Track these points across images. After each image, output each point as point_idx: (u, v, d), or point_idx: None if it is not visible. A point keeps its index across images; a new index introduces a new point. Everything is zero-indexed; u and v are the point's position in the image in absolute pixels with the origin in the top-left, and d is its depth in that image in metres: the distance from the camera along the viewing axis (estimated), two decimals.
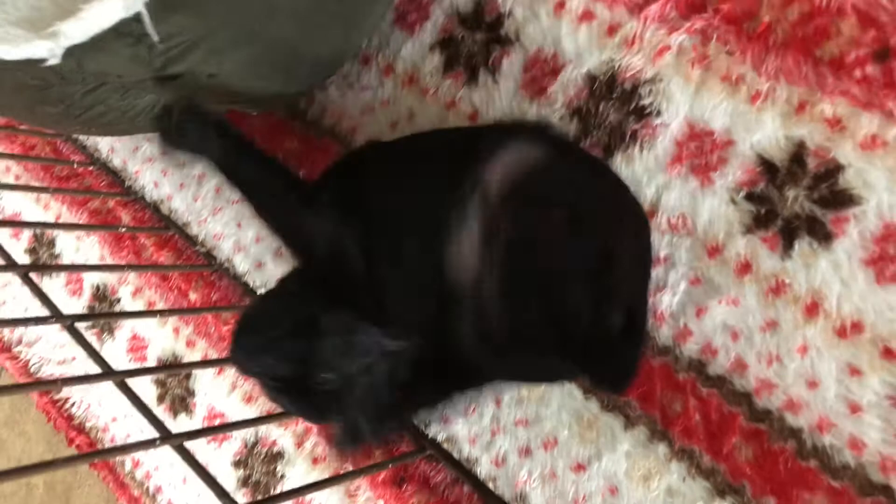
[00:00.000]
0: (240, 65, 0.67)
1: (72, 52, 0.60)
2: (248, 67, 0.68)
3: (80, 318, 0.76)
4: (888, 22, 0.54)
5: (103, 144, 1.02)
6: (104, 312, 0.96)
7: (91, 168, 1.02)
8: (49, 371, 1.07)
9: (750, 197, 0.59)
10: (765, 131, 0.59)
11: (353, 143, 0.80)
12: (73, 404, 1.03)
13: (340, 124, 0.81)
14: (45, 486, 1.11)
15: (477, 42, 0.72)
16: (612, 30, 0.65)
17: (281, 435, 0.83)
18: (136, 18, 0.58)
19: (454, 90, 0.74)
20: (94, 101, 0.71)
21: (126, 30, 0.59)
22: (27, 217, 1.09)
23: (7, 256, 0.73)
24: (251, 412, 0.85)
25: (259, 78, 0.70)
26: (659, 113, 0.64)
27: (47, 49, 0.60)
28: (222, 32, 0.63)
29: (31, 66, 0.61)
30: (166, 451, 0.93)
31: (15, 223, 0.87)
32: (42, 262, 1.06)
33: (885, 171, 0.54)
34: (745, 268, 0.59)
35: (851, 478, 0.55)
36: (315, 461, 0.80)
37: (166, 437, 0.59)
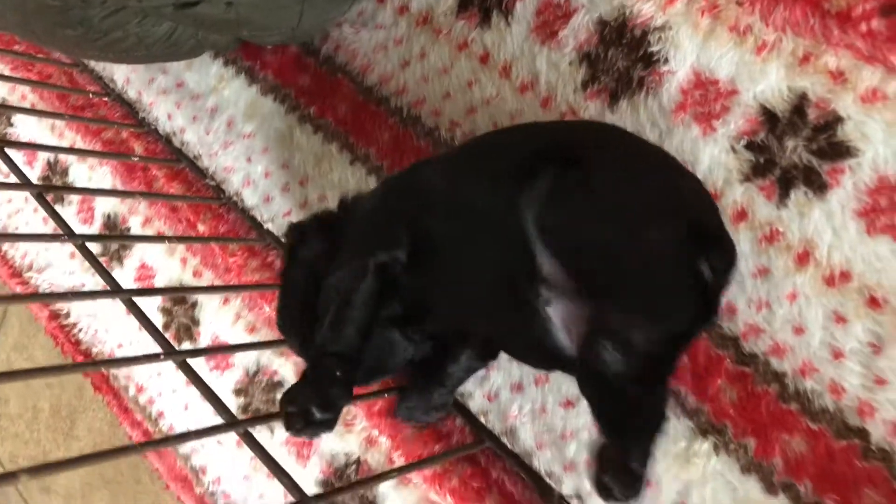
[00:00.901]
0: None
1: None
2: None
3: (91, 238, 0.78)
4: None
5: (119, 76, 1.03)
6: (114, 235, 0.98)
7: (106, 99, 1.04)
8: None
9: (750, 146, 0.61)
10: (768, 82, 0.60)
11: (365, 81, 0.81)
12: (80, 329, 1.06)
13: (353, 62, 0.82)
14: (51, 409, 1.14)
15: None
16: None
17: (282, 364, 0.85)
18: None
19: (467, 31, 0.75)
20: (113, 26, 0.72)
21: None
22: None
23: (22, 176, 0.75)
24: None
25: (276, 8, 0.71)
26: (666, 61, 0.65)
27: None
28: None
29: None
30: (169, 378, 0.97)
31: (30, 145, 0.88)
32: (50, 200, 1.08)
33: (883, 124, 0.55)
34: (741, 215, 0.61)
35: (829, 421, 0.57)
36: None
37: (170, 352, 0.61)
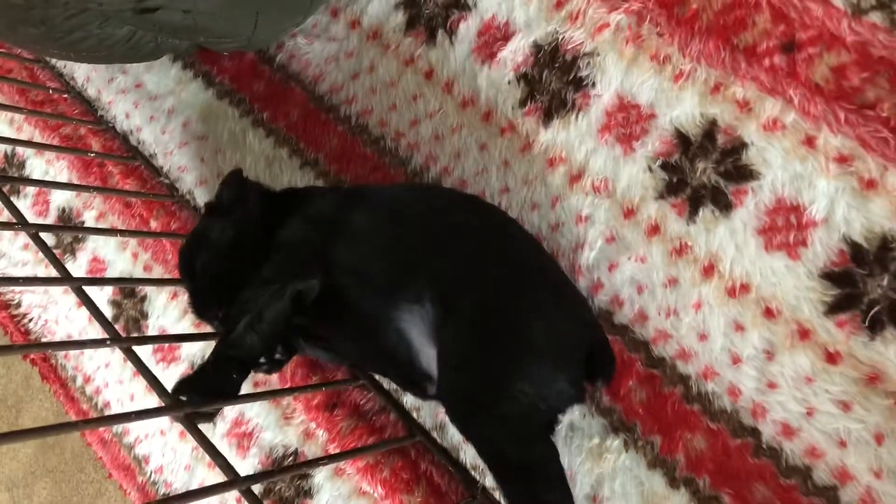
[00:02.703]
0: (213, 4, 0.72)
1: None
2: (221, 7, 0.72)
3: (46, 227, 0.81)
4: (796, 18, 0.60)
5: (79, 74, 1.06)
6: (69, 226, 1.00)
7: (66, 96, 1.06)
8: (10, 288, 1.11)
9: (665, 166, 0.66)
10: (683, 108, 0.65)
11: (316, 90, 0.85)
12: (30, 320, 1.07)
13: (306, 71, 0.86)
14: None
15: (438, 5, 0.78)
16: (559, 4, 0.71)
17: None
18: None
19: (413, 48, 0.79)
20: (75, 27, 0.75)
21: None
22: None
23: None
24: None
25: (231, 18, 0.75)
26: (594, 84, 0.70)
27: None
28: None
29: None
30: (116, 370, 0.99)
31: None
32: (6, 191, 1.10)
33: (782, 151, 0.61)
34: (654, 229, 0.66)
35: (727, 421, 0.62)
36: (256, 384, 0.86)
37: (116, 338, 0.64)
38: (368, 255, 0.65)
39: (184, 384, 0.61)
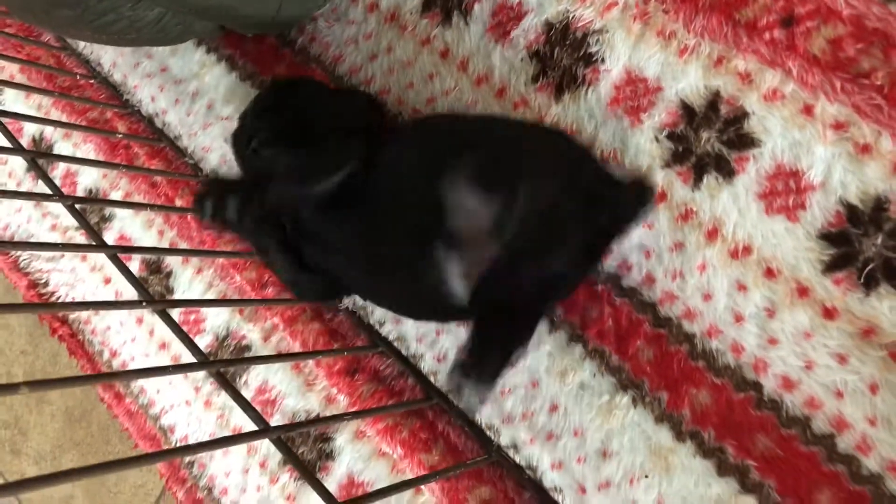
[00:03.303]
0: None
1: None
2: None
3: (80, 200, 0.84)
4: None
5: (105, 59, 1.10)
6: (101, 199, 1.04)
7: (92, 81, 1.10)
8: (37, 267, 1.15)
9: (671, 136, 0.69)
10: (688, 80, 0.68)
11: (336, 71, 0.89)
12: (58, 298, 1.11)
13: (326, 53, 0.90)
14: (25, 375, 1.19)
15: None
16: None
17: (250, 330, 0.92)
18: None
19: (429, 29, 0.83)
20: (107, 9, 0.79)
21: None
22: (29, 123, 1.17)
23: (16, 142, 0.81)
24: (225, 309, 0.94)
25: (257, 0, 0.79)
26: (603, 60, 0.73)
27: None
28: None
29: None
30: (142, 344, 1.03)
31: (19, 115, 0.94)
32: (41, 165, 1.14)
33: (781, 119, 0.64)
34: (661, 196, 0.69)
35: (731, 376, 0.65)
36: (279, 353, 0.90)
37: (151, 301, 0.68)
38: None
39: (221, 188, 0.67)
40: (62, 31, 0.98)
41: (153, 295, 1.01)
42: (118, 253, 0.72)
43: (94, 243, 0.71)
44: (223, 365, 0.64)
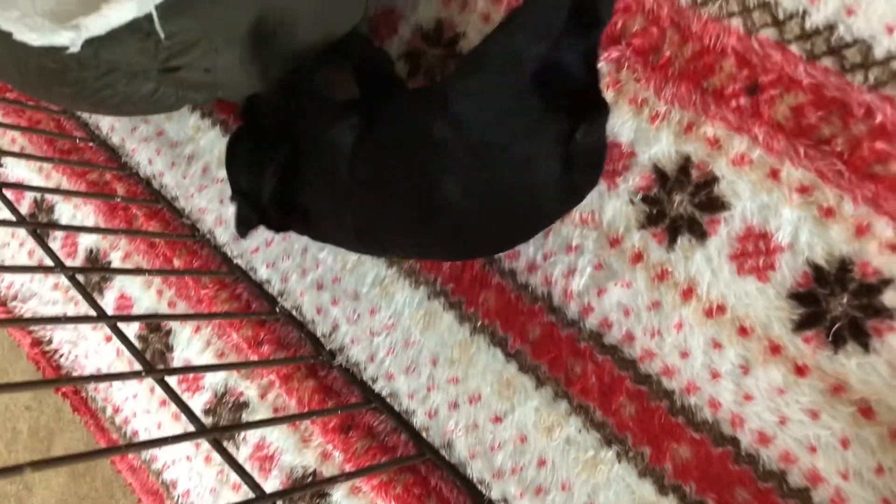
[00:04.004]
0: (231, 62, 0.79)
1: (90, 43, 0.71)
2: (237, 65, 0.79)
3: (81, 270, 0.87)
4: (758, 64, 0.67)
5: (104, 123, 1.13)
6: (100, 267, 1.07)
7: (91, 144, 1.14)
8: (40, 327, 1.18)
9: (645, 199, 0.72)
10: (660, 146, 0.71)
11: None
12: (61, 356, 1.14)
13: None
14: (30, 430, 1.21)
15: (436, 56, 0.85)
16: None
17: (247, 387, 0.95)
18: (148, 18, 0.70)
19: None
20: (104, 85, 0.82)
21: (138, 26, 0.70)
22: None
23: (18, 214, 0.84)
24: None
25: (246, 74, 0.82)
26: None
27: (70, 38, 0.71)
28: (219, 35, 0.74)
29: (54, 52, 0.73)
30: (144, 400, 1.05)
31: (21, 186, 0.98)
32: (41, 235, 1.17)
33: (750, 183, 0.67)
34: (637, 257, 0.72)
35: (709, 431, 0.67)
36: (275, 410, 0.92)
37: (151, 370, 0.71)
38: None
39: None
40: (62, 104, 1.01)
41: (153, 352, 1.04)
42: (118, 322, 0.75)
43: (94, 314, 0.74)
44: (220, 433, 0.67)
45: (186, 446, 0.99)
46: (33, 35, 0.74)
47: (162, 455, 1.02)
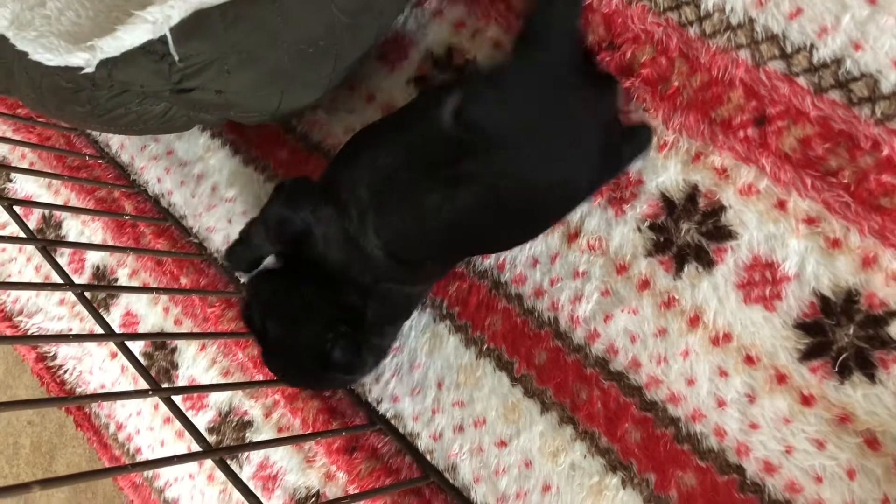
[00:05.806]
0: (243, 84, 0.79)
1: (104, 64, 0.72)
2: (250, 87, 0.80)
3: (89, 287, 0.88)
4: (766, 95, 0.67)
5: (114, 141, 1.14)
6: (109, 285, 1.08)
7: (100, 161, 1.14)
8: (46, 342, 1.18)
9: (652, 227, 0.72)
10: (668, 174, 0.72)
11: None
12: (65, 371, 1.14)
13: (326, 141, 0.94)
14: (32, 445, 1.21)
15: (445, 80, 0.86)
16: None
17: (252, 406, 0.95)
18: (162, 40, 0.71)
19: None
20: (117, 105, 0.82)
21: (152, 49, 0.71)
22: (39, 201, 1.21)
23: (29, 231, 0.85)
24: None
25: (259, 96, 0.82)
26: None
27: (84, 59, 0.72)
28: (231, 57, 0.75)
29: (69, 72, 0.74)
30: (147, 417, 1.05)
31: (31, 203, 0.98)
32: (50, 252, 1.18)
33: (757, 213, 0.68)
34: (644, 284, 0.72)
35: (714, 459, 0.67)
36: (280, 429, 0.92)
37: (157, 389, 0.71)
38: None
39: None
40: (74, 123, 1.02)
41: (158, 369, 1.04)
42: (125, 340, 0.76)
43: (101, 331, 0.75)
44: (225, 453, 0.67)
45: (189, 464, 0.99)
46: (49, 55, 0.75)
47: (164, 473, 1.02)
